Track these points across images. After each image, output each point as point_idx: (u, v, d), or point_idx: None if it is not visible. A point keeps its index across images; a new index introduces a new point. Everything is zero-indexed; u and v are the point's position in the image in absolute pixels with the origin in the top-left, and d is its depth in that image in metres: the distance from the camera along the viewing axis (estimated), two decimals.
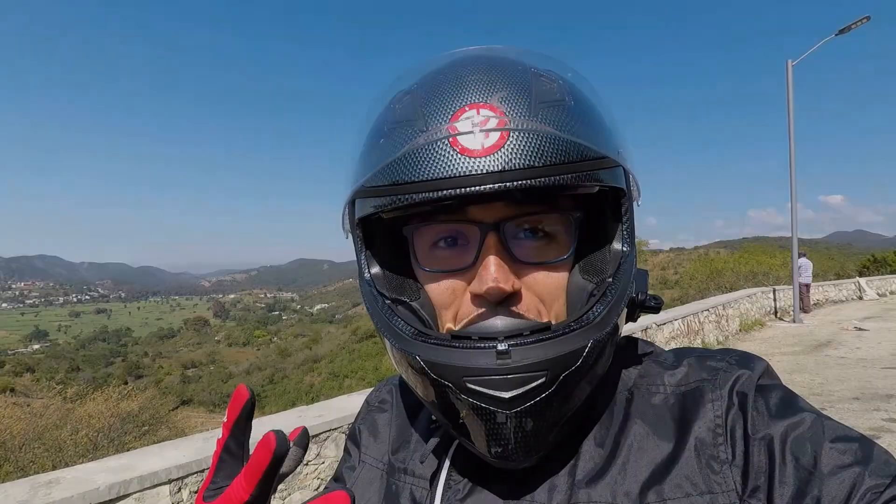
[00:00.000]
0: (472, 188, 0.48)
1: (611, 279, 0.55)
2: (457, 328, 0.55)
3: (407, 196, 0.50)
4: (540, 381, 0.49)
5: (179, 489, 2.88)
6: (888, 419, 5.84)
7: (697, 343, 9.76)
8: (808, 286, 15.26)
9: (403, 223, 0.59)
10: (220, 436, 0.48)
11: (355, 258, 0.62)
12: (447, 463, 0.61)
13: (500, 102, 0.51)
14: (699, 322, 10.12)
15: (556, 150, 0.49)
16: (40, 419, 9.95)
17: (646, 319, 8.56)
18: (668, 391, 0.59)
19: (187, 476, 2.91)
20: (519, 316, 0.52)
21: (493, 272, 0.51)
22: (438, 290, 0.57)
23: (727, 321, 11.47)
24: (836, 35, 12.96)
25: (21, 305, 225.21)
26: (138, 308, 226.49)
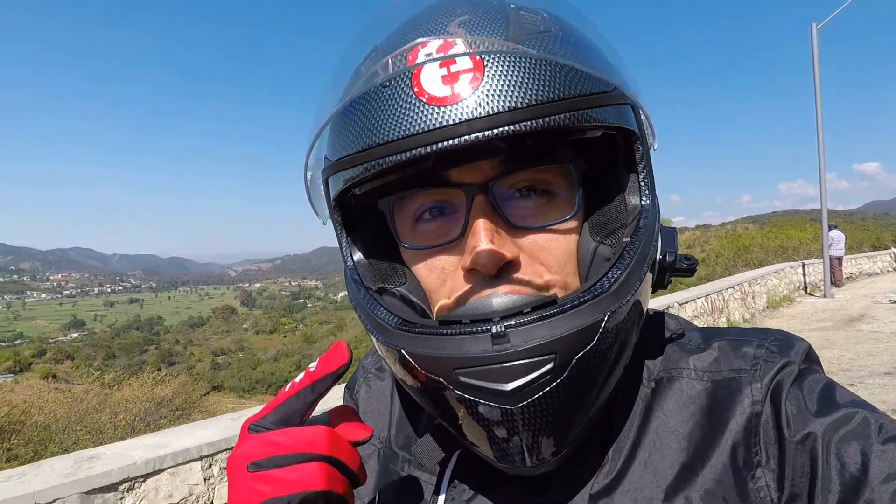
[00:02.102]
0: (445, 143, 0.40)
1: (628, 239, 0.47)
2: (449, 311, 0.47)
3: (374, 162, 0.43)
4: (548, 367, 0.41)
5: (210, 465, 3.01)
6: None
7: (722, 322, 9.62)
8: (839, 259, 14.82)
9: (382, 197, 0.50)
10: (298, 379, 0.44)
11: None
12: (453, 462, 0.54)
13: (466, 29, 0.42)
14: (724, 300, 9.95)
15: (545, 81, 0.40)
16: (81, 403, 10.40)
17: (667, 298, 8.46)
18: (693, 377, 0.51)
19: (217, 453, 3.03)
20: (520, 291, 0.45)
21: (482, 240, 0.43)
22: (426, 270, 0.49)
23: (753, 298, 11.24)
24: None
25: (59, 296, 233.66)
26: (169, 297, 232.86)
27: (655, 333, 0.57)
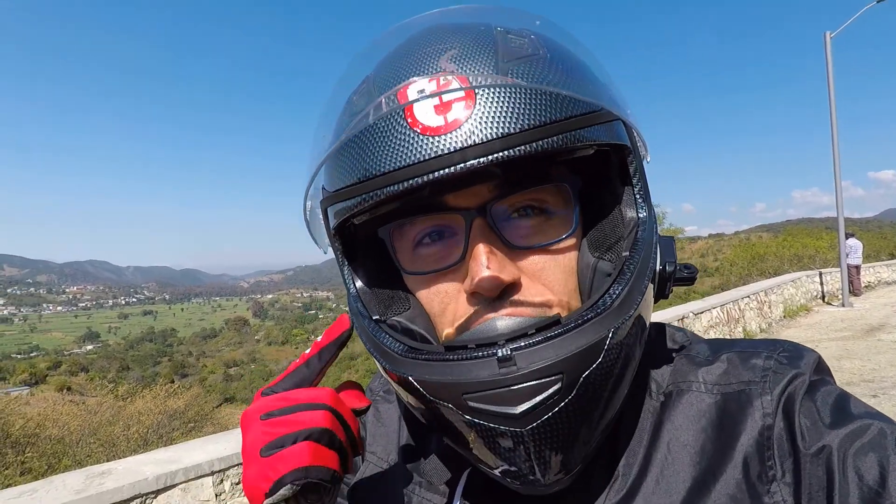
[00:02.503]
0: (440, 172, 0.40)
1: (627, 253, 0.47)
2: (454, 336, 0.47)
3: (371, 193, 0.43)
4: (555, 388, 0.40)
5: (222, 480, 2.99)
6: None
7: (738, 332, 9.46)
8: (857, 268, 14.56)
9: (382, 225, 0.51)
10: (308, 351, 0.49)
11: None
12: (462, 485, 0.53)
13: (457, 62, 0.43)
14: (739, 309, 9.80)
15: (535, 107, 0.41)
16: (95, 416, 10.46)
17: (682, 308, 8.36)
18: (703, 390, 0.51)
19: (229, 468, 3.01)
20: (523, 312, 0.45)
21: (483, 263, 0.43)
22: (429, 295, 0.49)
23: (770, 307, 11.07)
24: (878, 2, 12.27)
25: (74, 308, 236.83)
26: (182, 309, 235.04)
27: (662, 346, 0.57)
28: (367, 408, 0.50)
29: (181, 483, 2.82)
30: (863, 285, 15.20)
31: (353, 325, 0.52)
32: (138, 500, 2.67)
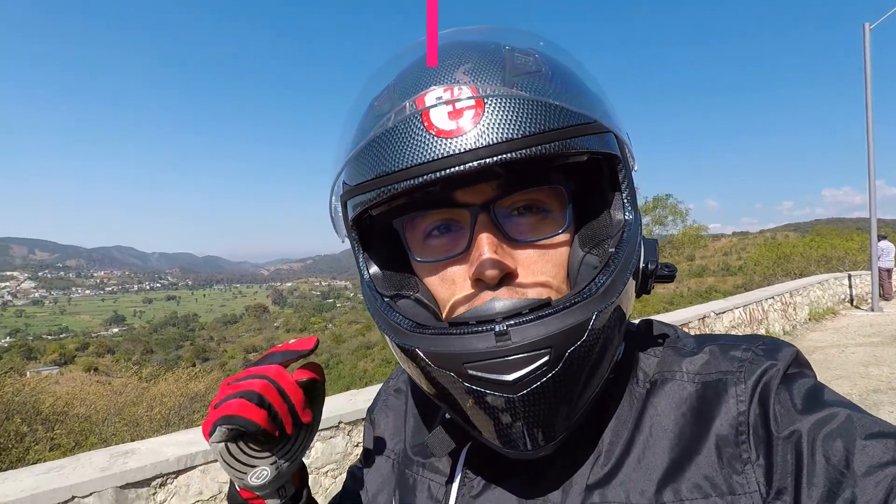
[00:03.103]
0: (452, 169, 0.46)
1: (613, 249, 0.53)
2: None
3: (388, 187, 0.49)
4: (544, 360, 0.46)
5: None
6: None
7: (761, 333, 9.28)
8: (889, 271, 14.10)
9: (395, 217, 0.57)
10: (281, 345, 0.60)
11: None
12: (462, 459, 0.60)
13: (470, 75, 0.49)
14: (763, 310, 9.60)
15: (536, 117, 0.46)
16: (120, 396, 10.76)
17: (703, 307, 8.22)
18: (685, 379, 0.55)
19: None
20: (519, 296, 0.50)
21: (486, 253, 0.49)
22: (437, 281, 0.55)
23: (794, 309, 10.82)
24: None
25: (101, 292, 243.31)
26: (204, 295, 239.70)
27: (651, 339, 0.62)
28: (310, 380, 0.58)
29: (200, 465, 2.88)
30: (894, 290, 14.76)
31: (368, 307, 0.60)
32: (159, 480, 2.74)
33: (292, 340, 0.60)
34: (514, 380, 0.46)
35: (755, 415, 0.49)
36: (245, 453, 0.55)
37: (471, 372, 0.47)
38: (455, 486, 0.59)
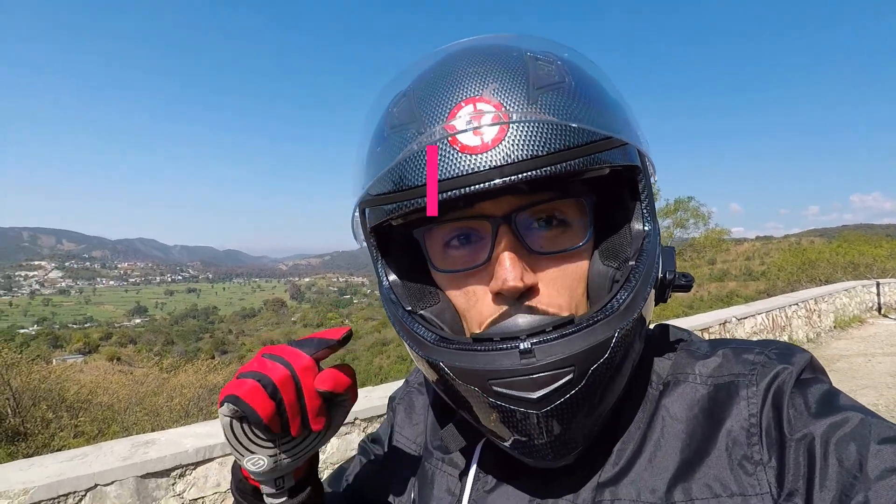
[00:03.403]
0: (476, 186, 0.46)
1: (633, 262, 0.53)
2: (480, 329, 0.53)
3: (411, 201, 0.49)
4: (568, 378, 0.47)
5: None
6: None
7: (784, 340, 9.07)
8: None
9: (414, 226, 0.57)
10: (319, 332, 0.56)
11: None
12: (477, 454, 0.61)
13: (495, 94, 0.48)
14: (786, 317, 9.39)
15: (559, 136, 0.47)
16: (141, 386, 11.00)
17: (725, 312, 8.08)
18: (698, 381, 0.56)
19: None
20: (541, 311, 0.50)
21: (507, 267, 0.49)
22: (457, 292, 0.55)
23: (819, 317, 10.56)
24: None
25: (125, 283, 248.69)
26: (223, 288, 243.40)
27: (665, 343, 0.62)
28: (329, 392, 0.53)
29: (218, 457, 2.92)
30: None
31: (389, 316, 0.59)
32: (179, 471, 2.79)
33: (329, 329, 0.58)
34: (538, 398, 0.47)
35: (768, 417, 0.49)
36: (247, 436, 0.54)
37: (496, 388, 0.48)
38: (469, 480, 0.60)
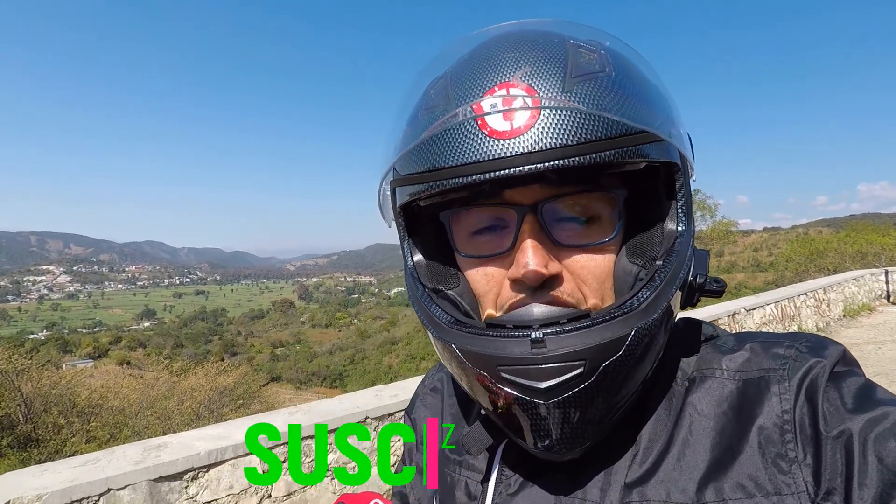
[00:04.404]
0: (502, 171, 0.45)
1: (661, 262, 0.51)
2: (496, 315, 0.53)
3: (438, 182, 0.48)
4: (577, 372, 0.46)
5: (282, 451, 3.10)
6: None
7: (793, 330, 9.02)
8: None
9: (442, 209, 0.57)
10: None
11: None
12: (499, 456, 0.60)
13: (529, 79, 0.47)
14: (795, 307, 9.34)
15: (592, 125, 0.45)
16: (152, 390, 11.09)
17: (733, 303, 8.03)
18: (725, 377, 0.54)
19: (275, 447, 3.12)
20: (559, 302, 0.49)
21: (529, 255, 0.48)
22: (477, 276, 0.55)
23: (828, 306, 10.49)
24: None
25: (133, 286, 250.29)
26: (232, 290, 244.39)
27: (690, 337, 0.61)
28: None
29: (230, 459, 2.94)
30: None
31: (409, 296, 0.60)
32: (191, 474, 2.81)
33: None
34: (546, 388, 0.46)
35: (801, 413, 0.48)
36: None
37: (504, 375, 0.48)
38: (492, 483, 0.59)
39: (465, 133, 0.47)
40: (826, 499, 0.44)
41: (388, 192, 0.58)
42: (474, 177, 0.46)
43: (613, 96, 0.47)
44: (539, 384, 0.46)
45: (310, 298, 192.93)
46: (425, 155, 0.50)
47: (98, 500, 2.49)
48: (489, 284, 0.53)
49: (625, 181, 0.54)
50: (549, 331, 0.46)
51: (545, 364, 0.46)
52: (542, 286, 0.49)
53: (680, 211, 0.53)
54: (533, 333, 0.47)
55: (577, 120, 0.45)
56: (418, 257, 0.60)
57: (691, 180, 0.55)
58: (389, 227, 0.61)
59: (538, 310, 0.49)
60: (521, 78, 0.47)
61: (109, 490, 2.52)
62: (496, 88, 0.47)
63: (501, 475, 0.59)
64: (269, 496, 3.09)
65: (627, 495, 0.51)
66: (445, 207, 0.56)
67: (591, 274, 0.51)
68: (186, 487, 2.79)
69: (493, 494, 0.58)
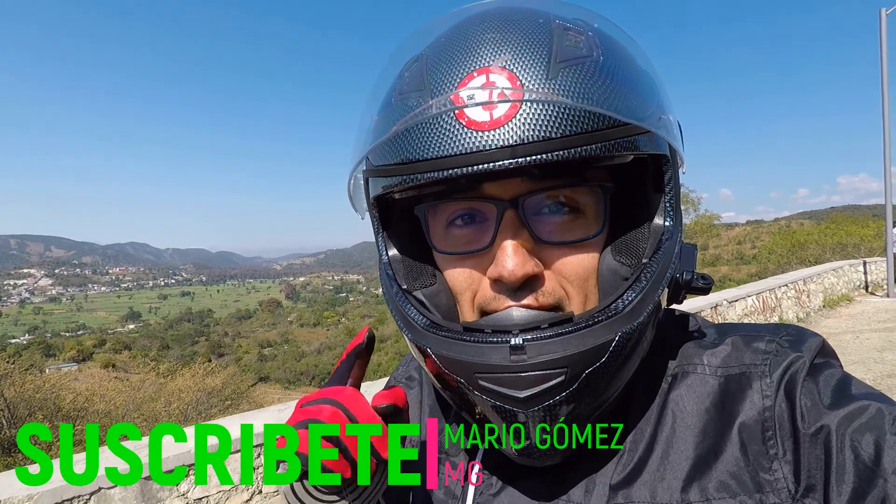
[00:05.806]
0: (481, 166, 0.42)
1: (647, 260, 0.49)
2: (474, 316, 0.51)
3: (413, 176, 0.45)
4: (559, 380, 0.44)
5: (259, 454, 3.13)
6: None
7: (774, 321, 9.20)
8: None
9: (418, 203, 0.54)
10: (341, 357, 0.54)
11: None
12: (480, 455, 0.58)
13: (512, 65, 0.44)
14: (776, 298, 9.52)
15: (577, 116, 0.42)
16: (138, 392, 10.98)
17: (716, 296, 8.17)
18: (707, 373, 0.53)
19: (258, 446, 3.14)
20: (540, 303, 0.47)
21: (509, 254, 0.46)
22: (454, 274, 0.52)
23: (808, 297, 10.71)
24: None
25: (117, 288, 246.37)
26: (217, 291, 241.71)
27: (672, 331, 0.59)
28: (388, 405, 0.50)
29: None
30: None
31: (384, 292, 0.57)
32: (182, 471, 2.82)
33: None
34: (525, 397, 0.44)
35: (781, 409, 0.47)
36: (310, 496, 0.50)
37: (482, 383, 0.45)
38: (472, 483, 0.57)
39: (442, 123, 0.44)
40: (806, 495, 0.44)
41: (362, 182, 0.55)
42: (451, 171, 0.43)
43: (601, 84, 0.44)
44: (518, 393, 0.44)
45: (297, 298, 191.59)
46: (400, 146, 0.46)
47: (89, 499, 2.50)
48: (467, 282, 0.51)
49: (611, 174, 0.52)
50: (529, 336, 0.44)
51: (525, 372, 0.44)
52: (522, 286, 0.47)
53: (668, 205, 0.51)
54: (512, 339, 0.44)
55: (562, 111, 0.42)
56: (393, 252, 0.58)
57: (681, 171, 0.53)
58: (363, 218, 0.59)
59: (518, 313, 0.47)
60: (502, 63, 0.44)
61: (100, 489, 2.53)
62: (475, 74, 0.44)
63: (483, 475, 0.57)
64: (260, 492, 3.12)
65: (613, 498, 0.50)
66: (421, 201, 0.53)
67: (574, 272, 0.49)
68: (177, 485, 2.81)
69: (475, 494, 0.56)
